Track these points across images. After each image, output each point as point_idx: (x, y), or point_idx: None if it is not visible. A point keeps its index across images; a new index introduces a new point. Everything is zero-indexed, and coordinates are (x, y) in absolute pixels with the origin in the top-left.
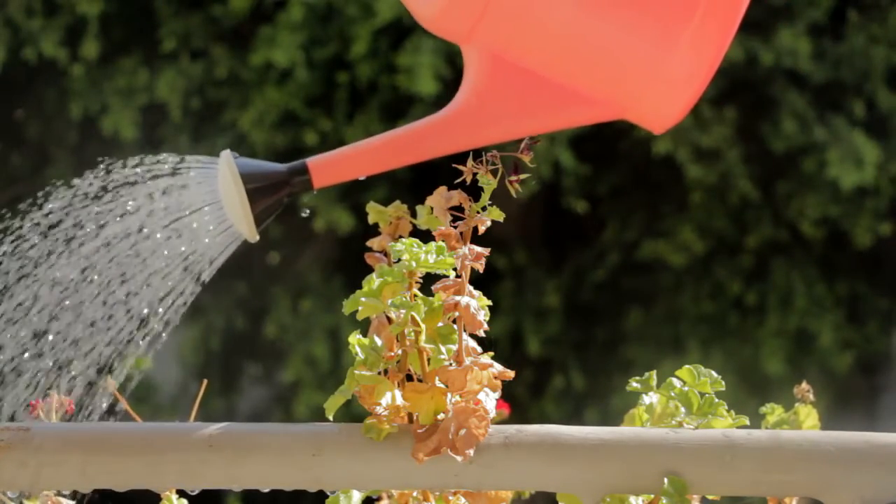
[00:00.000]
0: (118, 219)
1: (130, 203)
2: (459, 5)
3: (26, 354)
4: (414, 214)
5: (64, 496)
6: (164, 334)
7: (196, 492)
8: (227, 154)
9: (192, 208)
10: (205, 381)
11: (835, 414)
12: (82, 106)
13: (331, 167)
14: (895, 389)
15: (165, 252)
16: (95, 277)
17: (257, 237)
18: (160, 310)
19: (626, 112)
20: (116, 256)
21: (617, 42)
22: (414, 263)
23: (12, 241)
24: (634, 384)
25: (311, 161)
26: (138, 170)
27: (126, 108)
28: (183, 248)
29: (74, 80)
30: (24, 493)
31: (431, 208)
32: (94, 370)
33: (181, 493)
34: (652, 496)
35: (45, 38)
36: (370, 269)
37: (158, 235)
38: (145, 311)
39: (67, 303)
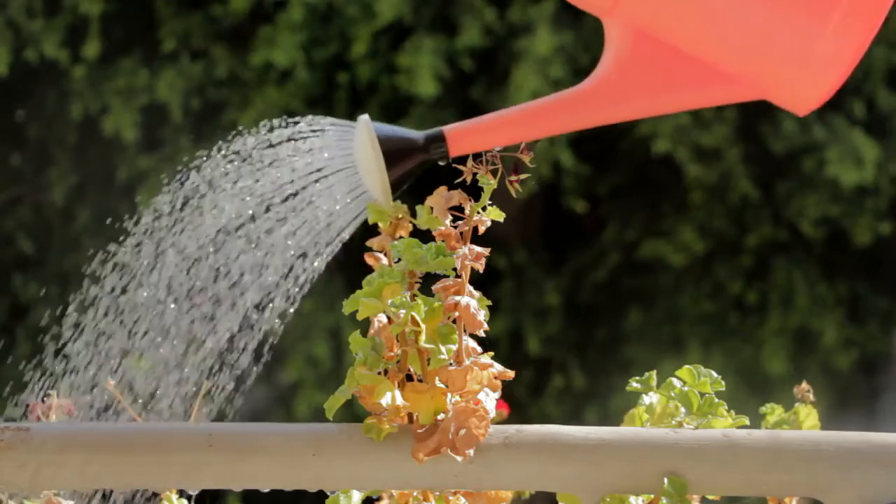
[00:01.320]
0: (258, 181)
1: (271, 166)
2: None
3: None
4: (414, 214)
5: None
6: (295, 300)
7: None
8: (365, 118)
9: (328, 171)
10: (205, 382)
11: (835, 414)
12: (83, 106)
13: (468, 136)
14: (895, 389)
15: (302, 214)
16: (236, 240)
17: (392, 203)
18: (296, 274)
19: (767, 93)
20: (256, 217)
21: (765, 21)
22: (414, 263)
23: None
24: (634, 384)
25: (448, 129)
26: (277, 132)
27: (126, 108)
28: (319, 211)
29: (75, 81)
30: (24, 494)
31: (431, 208)
32: (236, 327)
33: (181, 493)
34: (652, 496)
35: (45, 38)
36: (371, 270)
37: (296, 197)
38: (280, 274)
39: (210, 261)
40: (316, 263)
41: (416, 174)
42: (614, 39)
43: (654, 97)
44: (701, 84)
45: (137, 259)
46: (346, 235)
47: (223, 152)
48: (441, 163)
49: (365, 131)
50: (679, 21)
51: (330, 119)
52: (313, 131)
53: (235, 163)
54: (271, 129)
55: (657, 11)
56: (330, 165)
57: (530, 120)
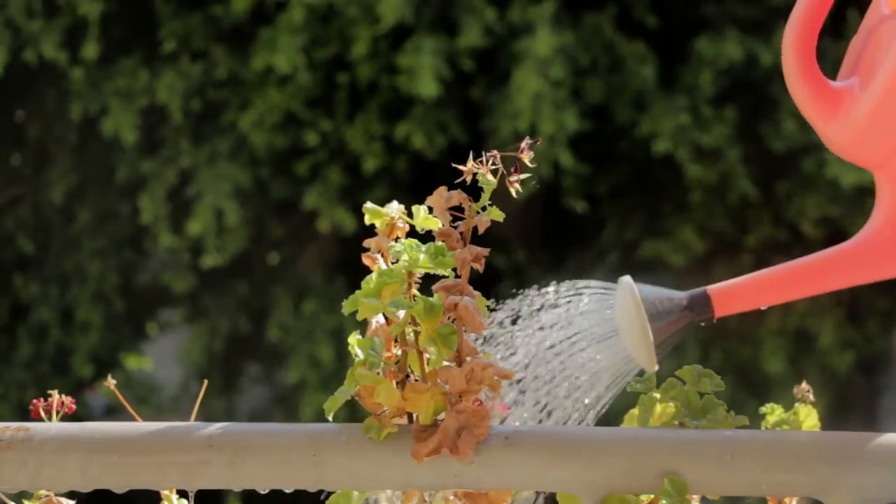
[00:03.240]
0: (535, 343)
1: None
2: (874, 136)
3: None
4: (411, 215)
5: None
6: None
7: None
8: (628, 280)
9: (591, 336)
10: (205, 382)
11: (835, 414)
12: (82, 107)
13: (734, 297)
14: (895, 389)
15: (565, 377)
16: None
17: (656, 367)
18: None
19: None
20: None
21: None
22: (413, 264)
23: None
24: (634, 384)
25: (713, 290)
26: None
27: (126, 110)
28: (580, 375)
29: (74, 82)
30: (25, 493)
31: (428, 209)
32: None
33: (181, 494)
34: (652, 496)
35: (45, 39)
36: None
37: (562, 361)
38: None
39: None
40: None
41: (682, 336)
42: (886, 194)
43: None
44: None
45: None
46: (608, 397)
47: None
48: (704, 324)
49: (628, 293)
50: None
51: (586, 282)
52: (578, 292)
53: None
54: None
55: None
56: (591, 330)
57: (801, 279)
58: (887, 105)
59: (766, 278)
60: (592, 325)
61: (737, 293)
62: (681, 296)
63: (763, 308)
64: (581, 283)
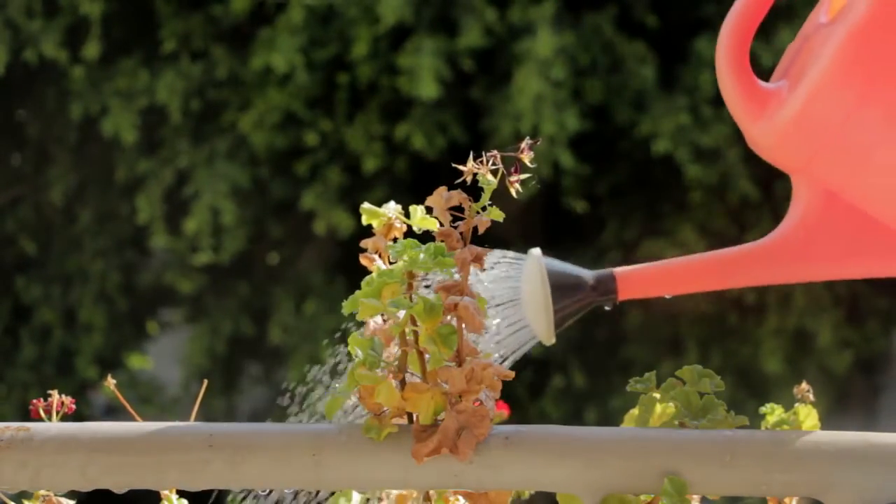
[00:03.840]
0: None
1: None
2: (797, 139)
3: None
4: (408, 215)
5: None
6: None
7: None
8: (537, 252)
9: (494, 303)
10: (205, 382)
11: (835, 414)
12: (82, 107)
13: (640, 282)
14: (895, 389)
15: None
16: None
17: (553, 341)
18: None
19: None
20: None
21: None
22: (413, 264)
23: None
24: (634, 384)
25: (620, 272)
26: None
27: (126, 110)
28: (479, 341)
29: (74, 82)
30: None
31: (426, 209)
32: None
33: (181, 493)
34: (652, 496)
35: (45, 39)
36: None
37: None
38: None
39: None
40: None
41: (582, 314)
42: (802, 197)
43: (839, 262)
44: (891, 254)
45: None
46: (507, 363)
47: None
48: (607, 307)
49: (535, 265)
50: (871, 189)
51: (501, 252)
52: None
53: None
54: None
55: (849, 177)
56: (496, 297)
57: (705, 271)
58: (811, 110)
59: (673, 267)
60: (499, 293)
61: (643, 278)
62: (588, 274)
63: (668, 297)
64: (498, 252)
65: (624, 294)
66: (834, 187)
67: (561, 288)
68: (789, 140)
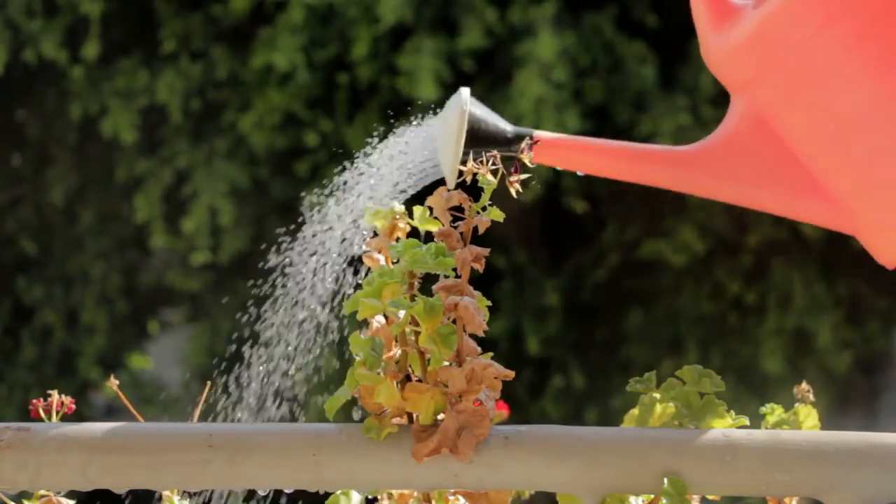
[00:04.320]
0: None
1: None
2: (747, 55)
3: None
4: (412, 215)
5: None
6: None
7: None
8: (466, 91)
9: (412, 133)
10: (208, 383)
11: (835, 414)
12: (82, 107)
13: (556, 148)
14: (895, 389)
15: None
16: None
17: (453, 183)
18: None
19: (860, 232)
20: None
21: (886, 159)
22: (413, 264)
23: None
24: (634, 384)
25: (540, 134)
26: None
27: (125, 110)
28: (393, 166)
29: (74, 82)
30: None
31: (428, 209)
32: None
33: (181, 493)
34: (652, 496)
35: (45, 39)
36: None
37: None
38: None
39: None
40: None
41: (494, 166)
42: (734, 116)
43: (749, 188)
44: (800, 195)
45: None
46: (406, 193)
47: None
48: (527, 161)
49: (459, 103)
50: (803, 125)
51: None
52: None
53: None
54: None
55: (785, 108)
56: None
57: (620, 157)
58: (769, 28)
59: (593, 145)
60: (419, 126)
61: (560, 145)
62: (509, 128)
63: (580, 173)
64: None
65: (539, 157)
66: (767, 114)
67: (478, 131)
68: (740, 55)
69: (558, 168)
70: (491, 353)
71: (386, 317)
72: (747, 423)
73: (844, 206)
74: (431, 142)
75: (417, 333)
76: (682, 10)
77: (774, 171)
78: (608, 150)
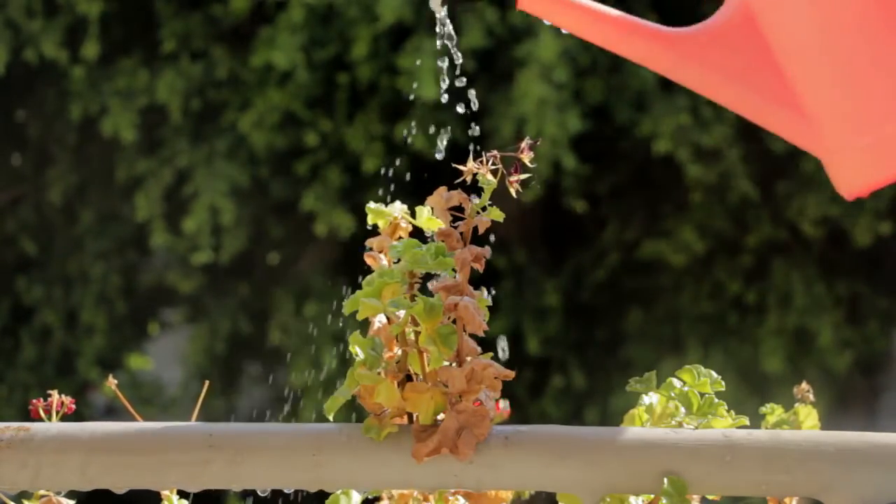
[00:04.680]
0: None
1: None
2: None
3: None
4: (414, 215)
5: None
6: None
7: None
8: None
9: None
10: (207, 382)
11: (835, 414)
12: (82, 107)
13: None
14: (895, 389)
15: None
16: None
17: (439, 10)
18: None
19: (822, 153)
20: None
21: (860, 77)
22: (413, 263)
23: None
24: (634, 384)
25: None
26: None
27: (126, 110)
28: None
29: (74, 82)
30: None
31: (431, 209)
32: None
33: (181, 494)
34: (652, 496)
35: (45, 39)
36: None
37: None
38: None
39: None
40: None
41: None
42: (730, 7)
43: (722, 81)
44: (773, 101)
45: None
46: None
47: None
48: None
49: None
50: (789, 28)
51: None
52: None
53: None
54: None
55: (775, 8)
56: None
57: (603, 20)
58: None
59: (580, 3)
60: None
61: None
62: None
63: (564, 31)
64: None
65: (523, 3)
66: (755, 9)
67: None
68: None
69: (545, 21)
70: (491, 353)
71: (387, 317)
72: (747, 423)
73: (813, 121)
74: None
75: (417, 333)
76: (682, 10)
77: (752, 71)
78: (594, 13)
